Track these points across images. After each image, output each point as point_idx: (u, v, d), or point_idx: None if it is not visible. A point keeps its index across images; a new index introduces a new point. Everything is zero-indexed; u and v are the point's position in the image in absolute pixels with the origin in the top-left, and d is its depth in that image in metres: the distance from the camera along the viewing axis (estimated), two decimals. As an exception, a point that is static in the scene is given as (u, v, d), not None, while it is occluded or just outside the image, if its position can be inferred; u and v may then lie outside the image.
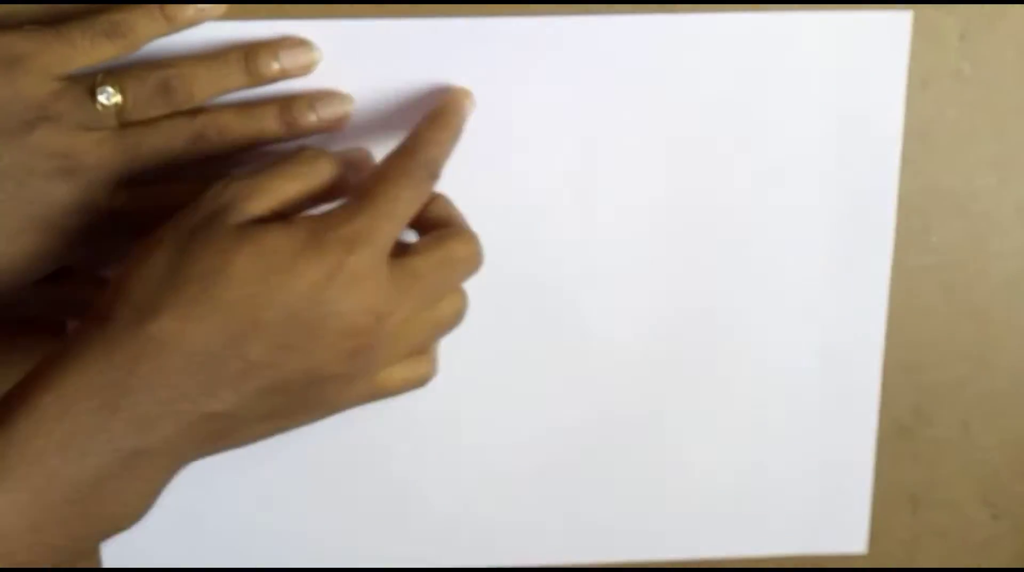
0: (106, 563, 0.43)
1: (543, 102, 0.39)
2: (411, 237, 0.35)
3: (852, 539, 0.45)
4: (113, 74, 0.34)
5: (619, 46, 0.38)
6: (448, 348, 0.41)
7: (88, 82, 0.34)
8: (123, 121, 0.34)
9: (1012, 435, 0.44)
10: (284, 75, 0.36)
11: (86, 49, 0.34)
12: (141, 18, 0.34)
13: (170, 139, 0.35)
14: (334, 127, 0.37)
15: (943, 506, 0.45)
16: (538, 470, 0.43)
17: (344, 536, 0.43)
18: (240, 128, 0.36)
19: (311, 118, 0.36)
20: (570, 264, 0.41)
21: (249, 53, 0.36)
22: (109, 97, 0.34)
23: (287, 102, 0.36)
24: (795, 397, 0.43)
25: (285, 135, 0.36)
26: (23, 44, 0.34)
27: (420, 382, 0.35)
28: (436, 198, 0.36)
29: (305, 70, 0.36)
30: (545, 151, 0.39)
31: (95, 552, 0.43)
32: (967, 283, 0.42)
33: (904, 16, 0.38)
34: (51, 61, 0.34)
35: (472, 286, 0.40)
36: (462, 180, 0.39)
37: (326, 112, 0.37)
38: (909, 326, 0.42)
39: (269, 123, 0.36)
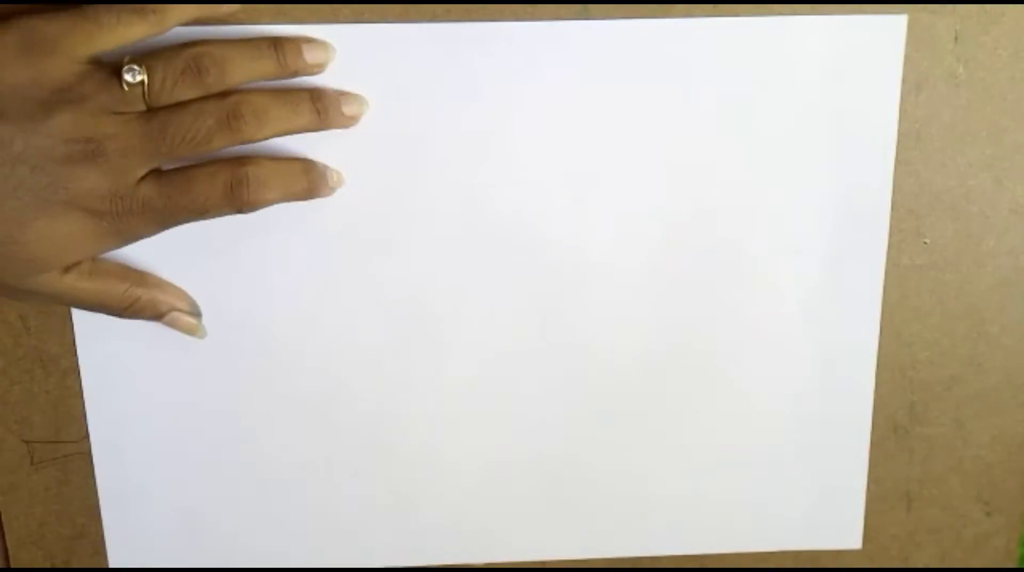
0: (112, 563, 0.43)
1: (544, 105, 0.39)
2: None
3: (847, 536, 0.45)
4: (140, 54, 0.34)
5: (619, 50, 0.38)
6: (446, 347, 0.41)
7: (114, 63, 0.33)
8: (151, 104, 0.34)
9: (1005, 433, 0.44)
10: (306, 70, 0.36)
11: (113, 27, 0.33)
12: None
13: (200, 120, 0.34)
14: (350, 125, 0.37)
15: (937, 503, 0.45)
16: (536, 467, 0.43)
17: (344, 536, 0.43)
18: (276, 110, 0.35)
19: (338, 111, 0.36)
20: (569, 265, 0.41)
21: (278, 43, 0.35)
22: (135, 75, 0.33)
23: (318, 92, 0.36)
24: (791, 396, 0.43)
25: (315, 126, 0.36)
26: (47, 26, 0.33)
27: None
28: None
29: (320, 68, 0.36)
30: (545, 153, 0.39)
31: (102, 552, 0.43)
32: (961, 283, 0.42)
33: (899, 19, 0.39)
34: (76, 42, 0.33)
35: (470, 285, 0.41)
36: (463, 181, 0.39)
37: (349, 109, 0.37)
38: (903, 325, 0.42)
39: (304, 108, 0.35)
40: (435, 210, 0.40)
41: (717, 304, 0.42)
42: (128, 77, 0.33)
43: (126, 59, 0.33)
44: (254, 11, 0.37)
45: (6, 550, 0.43)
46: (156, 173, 0.35)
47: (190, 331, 0.39)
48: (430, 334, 0.41)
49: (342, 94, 0.37)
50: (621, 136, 0.39)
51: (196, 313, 0.39)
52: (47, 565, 0.43)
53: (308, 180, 0.37)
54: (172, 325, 0.39)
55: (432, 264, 0.40)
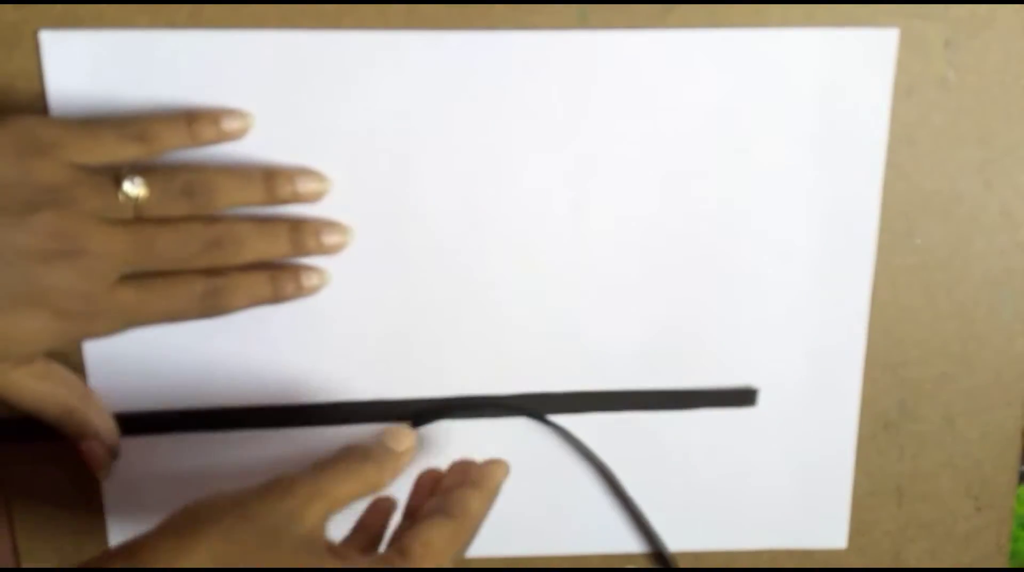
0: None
1: (541, 114, 0.39)
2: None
3: (832, 535, 0.45)
4: (140, 168, 0.34)
5: (616, 60, 0.39)
6: (448, 348, 0.42)
7: (113, 171, 0.34)
8: (139, 214, 0.34)
9: (994, 429, 0.44)
10: (296, 199, 0.38)
11: (111, 145, 0.34)
12: (168, 129, 0.35)
13: (185, 241, 0.35)
14: (332, 252, 0.39)
15: (928, 498, 0.45)
16: (531, 464, 0.44)
17: (342, 530, 0.43)
18: (254, 240, 0.36)
19: (314, 242, 0.38)
20: (566, 266, 0.41)
21: (270, 174, 0.37)
22: (135, 187, 0.34)
23: (297, 224, 0.38)
24: (779, 396, 0.43)
25: (293, 254, 0.38)
26: (46, 130, 0.33)
27: None
28: None
29: (315, 197, 0.38)
30: (542, 161, 0.40)
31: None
32: (951, 283, 0.42)
33: (891, 33, 0.39)
34: (70, 150, 0.33)
35: (471, 295, 0.41)
36: (461, 189, 0.40)
37: (329, 239, 0.38)
38: (894, 324, 0.43)
39: (281, 240, 0.37)
40: (432, 219, 0.40)
41: (710, 307, 0.42)
42: (128, 187, 0.34)
43: (125, 170, 0.34)
44: (260, 17, 0.37)
45: (15, 545, 0.43)
46: (132, 277, 0.35)
47: (93, 468, 0.39)
48: (428, 340, 0.41)
49: (323, 224, 0.38)
50: (616, 143, 0.40)
51: (112, 455, 0.39)
52: (56, 559, 0.43)
53: (275, 287, 0.38)
54: (83, 454, 0.39)
55: (430, 273, 0.41)
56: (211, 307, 0.36)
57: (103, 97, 0.38)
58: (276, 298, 0.38)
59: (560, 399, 0.43)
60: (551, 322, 0.42)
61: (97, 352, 0.40)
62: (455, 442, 0.43)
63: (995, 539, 0.46)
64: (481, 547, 0.44)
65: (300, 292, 0.39)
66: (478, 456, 0.44)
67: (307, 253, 0.38)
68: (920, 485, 0.45)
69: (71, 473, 0.42)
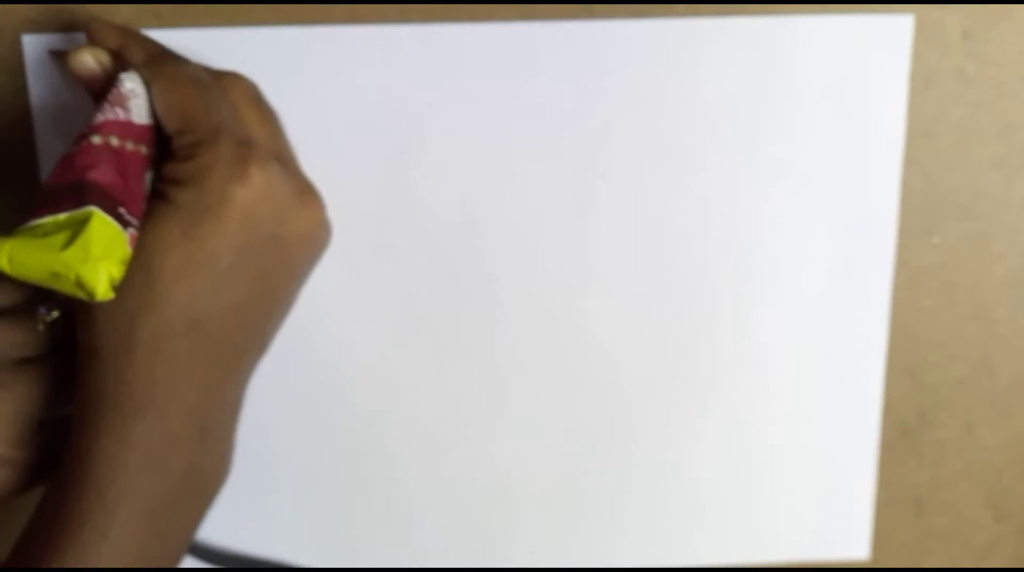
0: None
1: (547, 106, 0.39)
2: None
3: (855, 546, 0.45)
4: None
5: (623, 50, 0.38)
6: (449, 352, 0.41)
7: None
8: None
9: (1015, 436, 0.44)
10: None
11: None
12: None
13: None
14: None
15: (947, 508, 0.45)
16: (540, 476, 0.43)
17: (345, 537, 0.43)
18: None
19: None
20: (570, 269, 0.41)
21: None
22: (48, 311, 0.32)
23: None
24: (798, 402, 0.43)
25: None
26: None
27: None
28: None
29: None
30: (548, 155, 0.39)
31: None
32: (970, 284, 0.42)
33: (906, 19, 0.39)
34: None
35: (473, 292, 0.40)
36: (463, 185, 0.39)
37: None
38: (912, 327, 0.42)
39: None
40: (434, 214, 0.40)
41: (723, 308, 0.42)
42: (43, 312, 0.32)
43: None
44: (248, 12, 0.37)
45: None
46: None
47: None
48: (429, 340, 0.41)
49: None
50: (625, 137, 0.39)
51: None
52: None
53: None
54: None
55: (431, 269, 0.40)
56: None
57: (87, 101, 0.37)
58: None
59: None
60: (552, 322, 0.41)
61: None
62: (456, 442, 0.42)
63: (1015, 549, 0.46)
64: (483, 556, 0.43)
65: None
66: (478, 457, 0.43)
67: None
68: (939, 494, 0.45)
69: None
